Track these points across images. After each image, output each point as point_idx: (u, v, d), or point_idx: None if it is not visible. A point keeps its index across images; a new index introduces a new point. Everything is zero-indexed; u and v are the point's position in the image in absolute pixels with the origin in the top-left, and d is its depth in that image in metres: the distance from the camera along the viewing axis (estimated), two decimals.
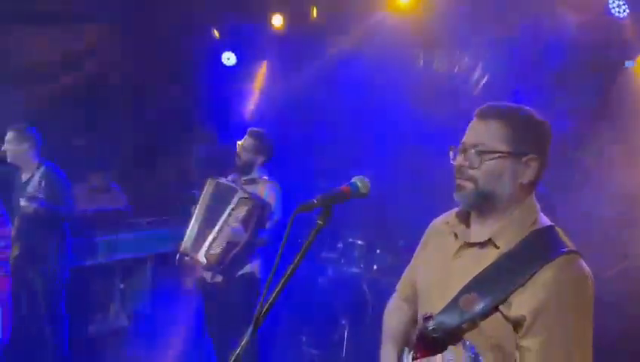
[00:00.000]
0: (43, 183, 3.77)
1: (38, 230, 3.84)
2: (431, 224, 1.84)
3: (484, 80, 5.31)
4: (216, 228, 3.59)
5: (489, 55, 5.20)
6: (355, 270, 5.14)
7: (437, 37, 5.10)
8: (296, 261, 1.39)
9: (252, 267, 3.76)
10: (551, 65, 4.49)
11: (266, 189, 3.77)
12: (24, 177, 4.03)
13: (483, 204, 1.56)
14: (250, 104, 6.76)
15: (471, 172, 1.53)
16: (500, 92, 4.87)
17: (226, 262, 3.58)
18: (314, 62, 6.10)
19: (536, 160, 1.53)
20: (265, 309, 1.31)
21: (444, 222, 1.76)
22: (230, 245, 3.55)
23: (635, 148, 4.20)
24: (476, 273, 1.51)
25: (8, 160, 3.99)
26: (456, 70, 5.38)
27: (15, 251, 3.55)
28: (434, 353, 1.55)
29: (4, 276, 2.55)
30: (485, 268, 1.50)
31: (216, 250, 3.56)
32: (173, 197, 6.41)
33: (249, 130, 3.87)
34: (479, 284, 1.48)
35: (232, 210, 3.57)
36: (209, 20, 6.51)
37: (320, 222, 1.43)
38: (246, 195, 3.59)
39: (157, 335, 5.27)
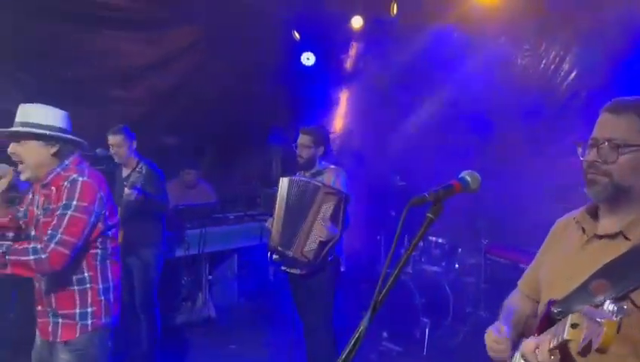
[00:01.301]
0: (142, 177, 4.03)
1: (138, 221, 4.09)
2: (557, 223, 1.87)
3: (574, 74, 5.15)
4: (307, 225, 3.65)
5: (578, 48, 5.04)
6: (435, 268, 5.13)
7: (524, 29, 4.99)
8: (407, 253, 1.45)
9: (336, 253, 3.86)
10: None
11: (333, 176, 3.84)
12: (125, 172, 4.35)
13: (617, 197, 1.57)
14: (331, 103, 6.89)
15: (605, 166, 1.55)
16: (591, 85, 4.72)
17: (321, 257, 3.67)
18: (393, 60, 6.15)
19: None
20: (381, 297, 1.38)
21: (569, 218, 1.80)
22: (325, 243, 3.64)
23: None
24: (604, 262, 1.52)
25: (116, 160, 4.33)
26: (542, 65, 5.25)
27: (119, 239, 3.83)
28: None
29: (116, 263, 2.72)
30: (617, 258, 1.51)
31: (312, 246, 3.64)
32: (257, 193, 6.66)
33: (301, 128, 3.97)
34: (610, 272, 1.49)
35: (320, 205, 3.64)
36: (290, 22, 6.67)
37: (431, 215, 1.49)
38: (330, 190, 3.67)
39: (242, 325, 5.51)
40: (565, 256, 1.70)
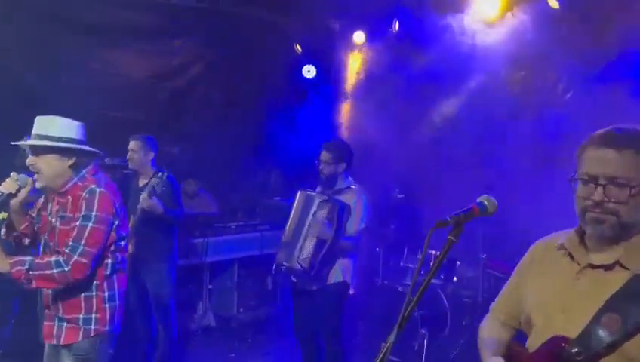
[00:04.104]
0: (161, 186, 4.02)
1: (152, 231, 4.13)
2: (534, 246, 1.82)
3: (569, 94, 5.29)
4: (303, 232, 3.73)
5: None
6: (434, 281, 5.22)
7: (521, 52, 5.12)
8: (431, 271, 1.54)
9: (344, 275, 3.86)
10: None
11: (354, 197, 3.82)
12: (141, 183, 4.35)
13: (620, 233, 1.55)
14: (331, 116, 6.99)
15: (613, 206, 1.51)
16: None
17: (317, 265, 3.68)
18: (394, 75, 6.28)
19: None
20: (407, 312, 1.47)
21: (552, 243, 1.74)
22: (318, 245, 3.65)
23: None
24: (605, 295, 1.50)
25: (130, 166, 4.35)
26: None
27: (130, 249, 3.85)
28: None
29: (123, 272, 2.77)
30: (621, 289, 1.50)
31: (307, 253, 3.68)
32: (257, 204, 6.74)
33: (324, 144, 3.92)
34: (618, 305, 1.48)
35: (314, 213, 3.70)
36: (292, 36, 6.78)
37: (452, 238, 1.57)
38: (325, 198, 3.72)
39: (242, 334, 5.56)
40: (556, 287, 1.65)
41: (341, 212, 3.68)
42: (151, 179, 4.17)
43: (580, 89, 4.77)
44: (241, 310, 5.86)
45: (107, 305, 2.67)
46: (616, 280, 1.53)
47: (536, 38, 4.84)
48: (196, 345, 5.27)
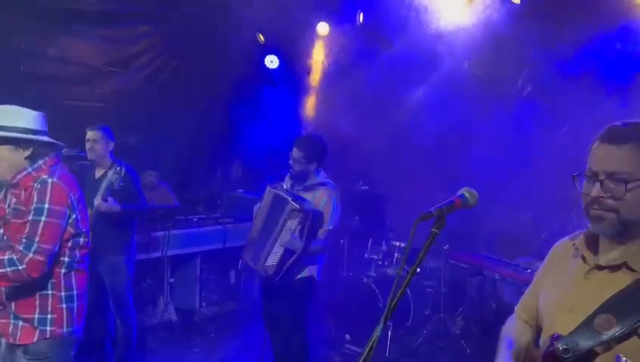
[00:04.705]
0: (119, 182, 3.87)
1: (109, 225, 3.99)
2: (555, 245, 1.81)
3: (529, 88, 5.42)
4: (272, 239, 3.63)
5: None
6: (396, 272, 5.27)
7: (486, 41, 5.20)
8: (414, 266, 1.53)
9: (310, 271, 3.81)
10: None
11: (324, 197, 3.71)
12: (97, 173, 4.20)
13: (623, 231, 1.53)
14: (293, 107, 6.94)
15: (612, 202, 1.50)
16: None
17: (282, 272, 3.61)
18: (358, 67, 6.28)
19: None
20: (392, 306, 1.45)
21: (569, 243, 1.74)
22: (286, 255, 3.58)
23: None
24: (609, 295, 1.49)
25: (89, 157, 4.18)
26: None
27: None
28: None
29: (83, 272, 2.64)
30: (621, 291, 1.48)
31: (274, 261, 3.60)
32: (219, 196, 6.63)
33: (296, 140, 3.79)
34: (616, 306, 1.47)
35: (285, 221, 3.58)
36: (255, 25, 6.68)
37: (435, 230, 1.56)
38: (297, 207, 3.55)
39: (205, 329, 5.48)
40: (565, 287, 1.65)
41: (314, 221, 3.57)
42: (108, 170, 4.05)
43: (544, 79, 4.90)
44: (204, 304, 5.77)
45: (64, 306, 2.54)
46: (621, 281, 1.51)
47: (501, 28, 4.92)
48: (157, 341, 5.14)
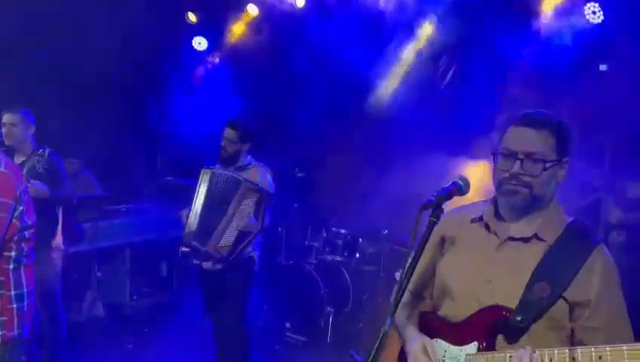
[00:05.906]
0: (42, 168, 3.66)
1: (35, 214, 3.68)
2: (444, 218, 1.73)
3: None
4: (226, 219, 3.58)
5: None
6: (338, 258, 5.28)
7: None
8: (415, 255, 1.49)
9: (251, 251, 3.81)
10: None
11: (259, 174, 3.79)
12: (17, 160, 3.85)
13: (532, 205, 1.70)
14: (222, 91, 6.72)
15: (527, 179, 1.65)
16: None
17: (236, 253, 3.60)
18: (287, 49, 6.19)
19: (567, 161, 1.72)
20: (398, 300, 1.41)
21: (465, 217, 1.84)
22: (243, 236, 3.57)
23: None
24: (528, 265, 1.66)
25: (6, 142, 3.84)
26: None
27: None
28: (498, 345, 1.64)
29: (30, 267, 2.46)
30: (542, 259, 1.65)
31: (229, 241, 3.57)
32: (146, 184, 6.31)
33: (229, 121, 3.84)
34: (544, 274, 1.63)
35: (240, 201, 3.58)
36: (182, 5, 6.40)
37: (434, 219, 1.59)
38: (252, 185, 3.62)
39: (137, 323, 5.22)
40: (478, 258, 1.75)
41: (267, 199, 3.65)
42: (29, 156, 3.78)
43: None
44: (135, 298, 5.50)
45: (14, 306, 2.33)
46: (535, 251, 1.68)
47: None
48: (87, 338, 4.84)
